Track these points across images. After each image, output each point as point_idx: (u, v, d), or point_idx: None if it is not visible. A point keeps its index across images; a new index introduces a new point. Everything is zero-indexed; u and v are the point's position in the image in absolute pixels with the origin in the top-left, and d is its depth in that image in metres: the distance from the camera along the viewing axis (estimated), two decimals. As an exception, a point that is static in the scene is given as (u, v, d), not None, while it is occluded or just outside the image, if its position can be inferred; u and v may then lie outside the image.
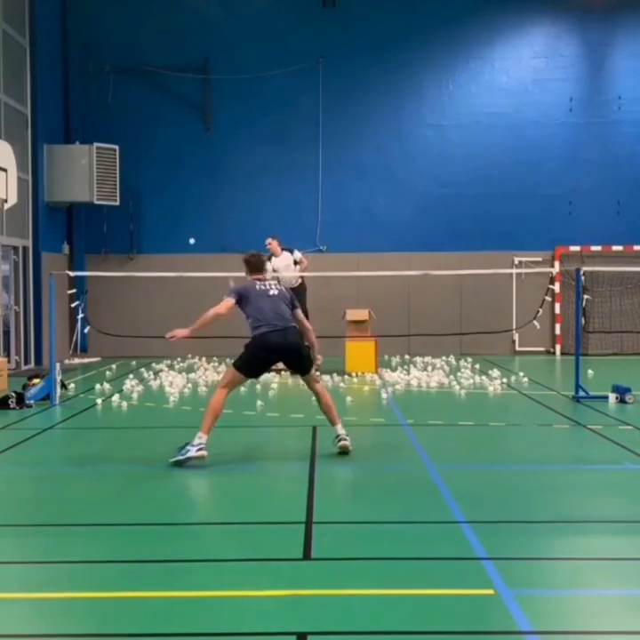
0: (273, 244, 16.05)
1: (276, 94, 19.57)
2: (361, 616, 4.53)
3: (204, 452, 8.08)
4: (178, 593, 4.87)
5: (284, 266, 15.95)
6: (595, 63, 19.84)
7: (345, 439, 8.57)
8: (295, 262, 16.07)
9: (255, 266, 9.01)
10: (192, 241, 18.21)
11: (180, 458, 8.05)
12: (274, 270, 15.95)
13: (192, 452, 8.05)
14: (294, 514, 6.44)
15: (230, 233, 19.52)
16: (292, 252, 16.12)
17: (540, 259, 19.47)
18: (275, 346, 8.42)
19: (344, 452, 8.56)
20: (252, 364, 8.50)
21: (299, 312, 8.87)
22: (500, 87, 19.80)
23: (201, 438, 8.14)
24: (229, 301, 8.59)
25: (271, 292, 8.67)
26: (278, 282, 9.42)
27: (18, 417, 11.09)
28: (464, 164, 19.61)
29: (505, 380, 14.34)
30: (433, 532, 6.09)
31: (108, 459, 8.69)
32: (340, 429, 8.64)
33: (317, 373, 9.24)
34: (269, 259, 16.18)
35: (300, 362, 8.63)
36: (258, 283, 8.79)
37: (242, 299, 8.63)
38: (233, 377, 8.47)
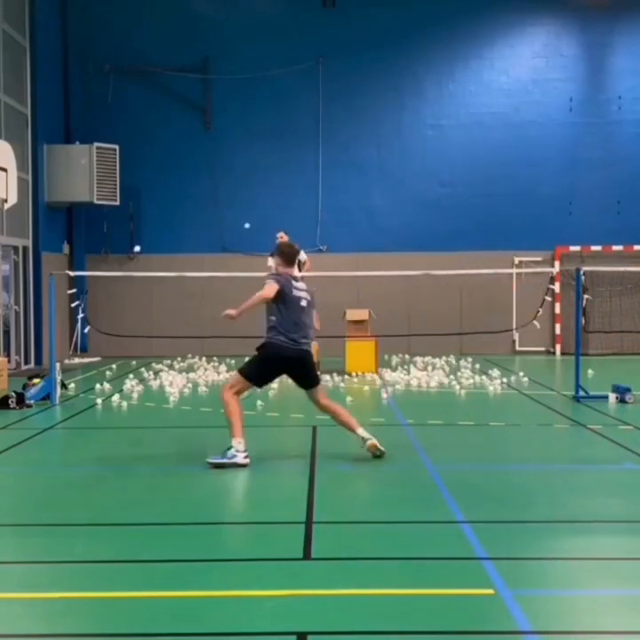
0: (284, 238, 16.02)
1: (276, 94, 19.56)
2: (361, 616, 4.52)
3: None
4: (177, 593, 4.86)
5: None
6: (595, 63, 19.84)
7: None
8: (299, 263, 16.04)
9: None
10: (247, 225, 17.72)
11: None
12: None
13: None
14: (294, 514, 6.43)
15: (230, 232, 19.53)
16: (298, 251, 16.08)
17: (540, 258, 19.47)
18: None
19: None
20: None
21: None
22: (499, 87, 19.80)
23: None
24: None
25: None
26: None
27: (18, 417, 11.09)
28: (464, 164, 19.61)
29: (505, 380, 14.34)
30: (433, 531, 6.09)
31: (109, 459, 8.69)
32: None
33: None
34: (272, 254, 16.10)
35: None
36: None
37: None
38: None
